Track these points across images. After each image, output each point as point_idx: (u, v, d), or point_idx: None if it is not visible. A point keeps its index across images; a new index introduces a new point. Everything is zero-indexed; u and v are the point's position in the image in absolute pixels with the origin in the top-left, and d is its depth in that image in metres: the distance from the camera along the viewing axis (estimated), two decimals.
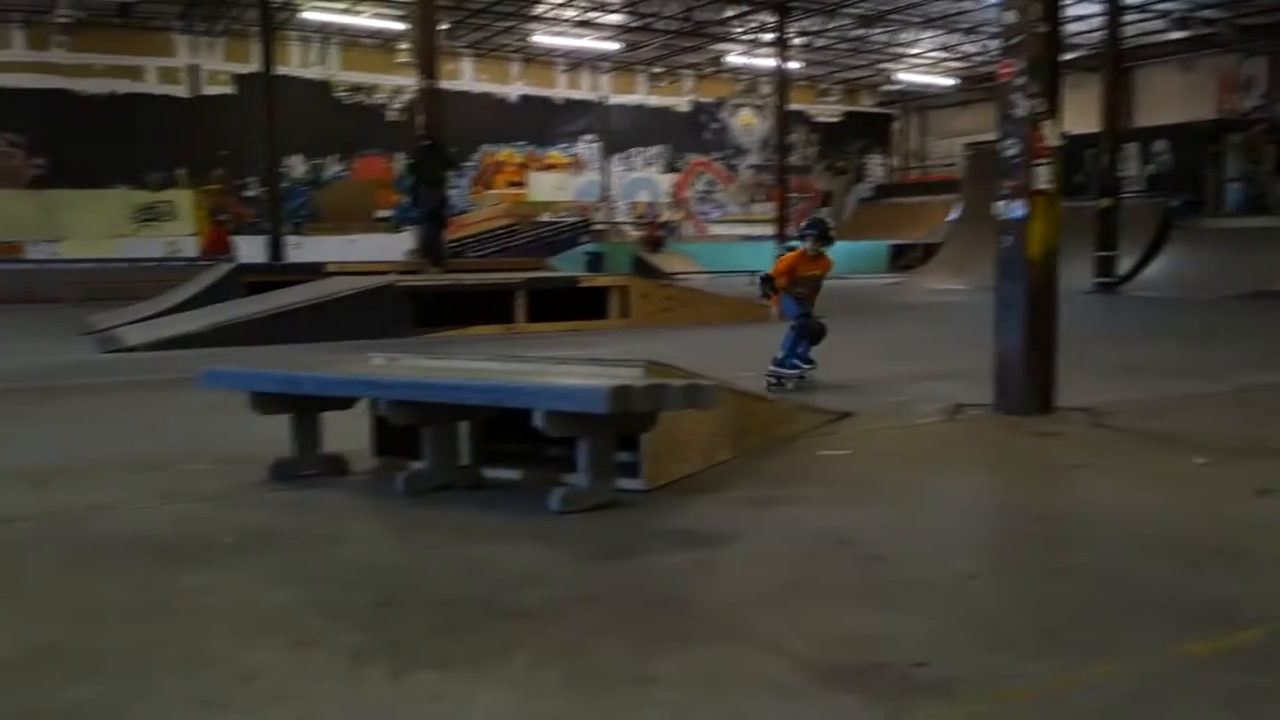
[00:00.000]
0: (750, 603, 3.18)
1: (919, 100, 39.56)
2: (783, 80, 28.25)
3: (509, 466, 4.65)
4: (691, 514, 4.15)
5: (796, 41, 30.20)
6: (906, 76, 35.61)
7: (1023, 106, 6.05)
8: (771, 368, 7.76)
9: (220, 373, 4.93)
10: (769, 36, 29.32)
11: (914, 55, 33.61)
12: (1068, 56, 15.34)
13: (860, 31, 30.30)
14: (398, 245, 24.48)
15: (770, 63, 30.05)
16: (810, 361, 7.88)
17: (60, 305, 18.41)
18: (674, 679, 2.58)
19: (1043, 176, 6.05)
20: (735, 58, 33.26)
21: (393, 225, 29.07)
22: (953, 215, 28.07)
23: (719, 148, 36.82)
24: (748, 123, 37.44)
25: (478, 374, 4.56)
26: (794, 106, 30.78)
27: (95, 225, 26.80)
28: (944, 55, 33.24)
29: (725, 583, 3.41)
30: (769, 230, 29.83)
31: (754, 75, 35.29)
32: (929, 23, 29.75)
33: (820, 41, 31.73)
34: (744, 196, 37.02)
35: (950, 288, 21.43)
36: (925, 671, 2.61)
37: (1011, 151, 6.12)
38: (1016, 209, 6.12)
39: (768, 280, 8.00)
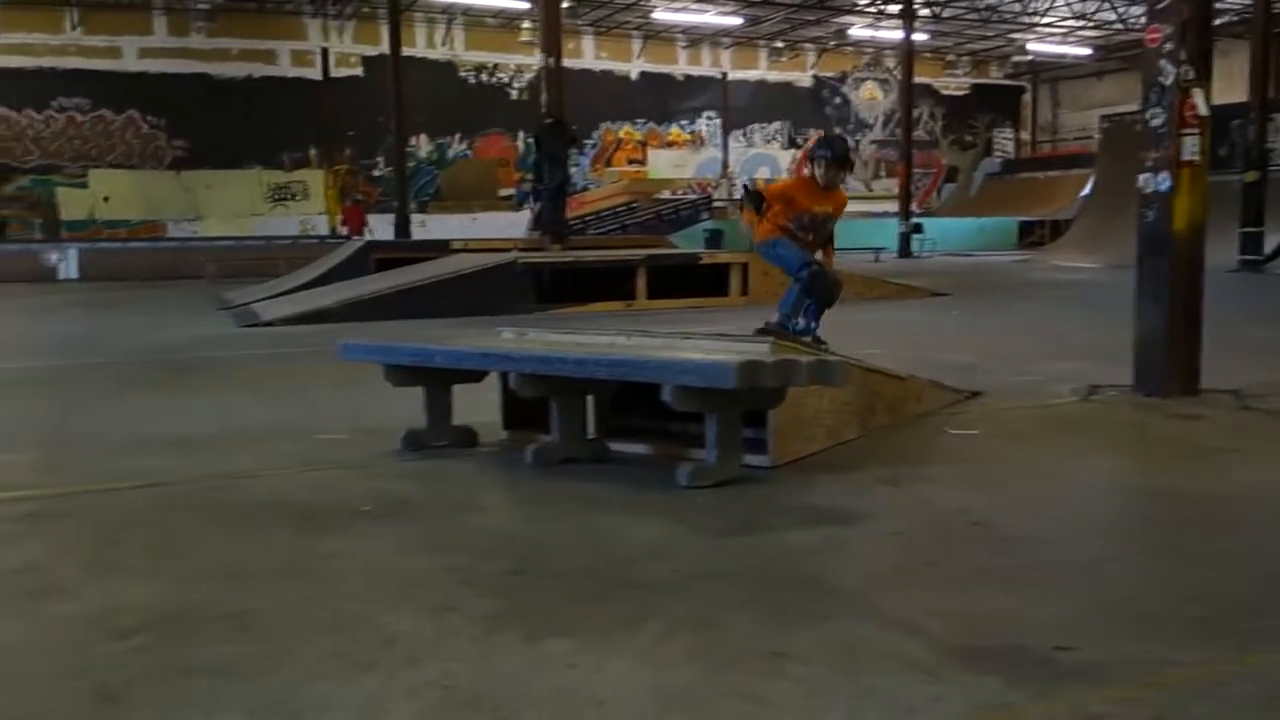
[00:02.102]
0: (882, 581, 3.14)
1: (1051, 71, 38.28)
2: (908, 52, 27.64)
3: (635, 441, 4.68)
4: (820, 491, 4.11)
5: (923, 13, 29.50)
6: (1038, 47, 34.48)
7: (1170, 73, 5.78)
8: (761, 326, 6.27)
9: (356, 345, 5.06)
10: (895, 8, 28.71)
11: (1047, 24, 32.49)
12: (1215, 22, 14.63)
13: (991, 1, 29.39)
14: (519, 222, 24.84)
15: (895, 35, 29.45)
16: (819, 339, 6.10)
17: (199, 281, 19.21)
18: (806, 655, 2.56)
19: (1190, 147, 5.78)
20: (859, 30, 32.69)
21: (515, 203, 29.47)
22: (1085, 191, 27.11)
23: (841, 123, 36.27)
24: (871, 97, 36.80)
25: (605, 348, 4.58)
26: (919, 79, 30.15)
27: (232, 204, 27.87)
28: (1079, 23, 32.02)
29: (856, 561, 3.37)
30: (892, 207, 29.28)
31: (878, 48, 34.64)
32: None
33: (948, 12, 30.94)
34: (866, 173, 36.41)
35: (1080, 265, 20.73)
36: (1069, 656, 2.53)
37: (1157, 121, 5.86)
38: (1161, 181, 5.86)
39: (753, 196, 6.37)
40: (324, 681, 2.48)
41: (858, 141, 36.39)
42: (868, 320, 10.43)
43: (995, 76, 39.05)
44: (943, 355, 7.66)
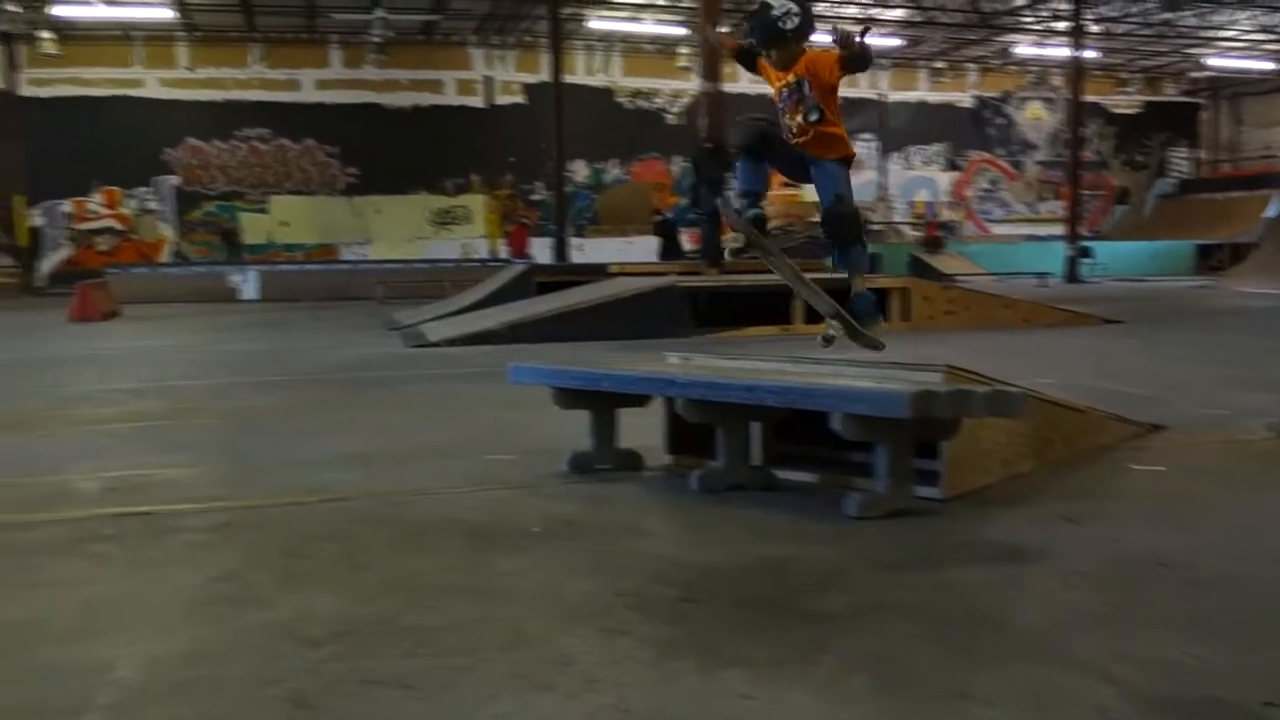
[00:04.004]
0: (1067, 623, 3.01)
1: (1232, 87, 36.40)
2: (1077, 70, 26.74)
3: (802, 468, 4.63)
4: (996, 526, 3.98)
5: (1093, 29, 28.48)
6: (1217, 62, 32.86)
7: None
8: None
9: (526, 369, 5.17)
10: (1063, 25, 27.82)
11: (1227, 38, 30.92)
12: None
13: (1166, 15, 28.19)
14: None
15: (1063, 52, 28.54)
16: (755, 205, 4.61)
17: (368, 302, 19.99)
18: (991, 697, 2.48)
19: None
20: (1024, 48, 31.81)
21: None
22: (1270, 212, 25.63)
23: (1003, 144, 35.30)
24: (1036, 116, 35.70)
25: (773, 375, 4.56)
26: (1088, 98, 29.08)
27: (399, 228, 28.96)
28: (1263, 37, 30.38)
29: (1037, 600, 3.24)
30: (1059, 230, 28.29)
31: (1044, 66, 33.60)
32: (1246, 2, 27.27)
33: (1120, 28, 29.77)
34: (1031, 195, 35.32)
35: (1267, 292, 19.56)
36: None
37: None
38: None
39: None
40: (503, 700, 2.53)
41: (1020, 163, 35.33)
42: (1036, 348, 10.10)
43: (1170, 94, 37.36)
44: (1120, 386, 7.34)
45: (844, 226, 4.55)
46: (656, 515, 4.35)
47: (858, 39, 4.32)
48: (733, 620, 3.05)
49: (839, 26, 4.71)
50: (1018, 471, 4.67)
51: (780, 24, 4.39)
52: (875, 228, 30.36)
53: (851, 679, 2.60)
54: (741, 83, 31.08)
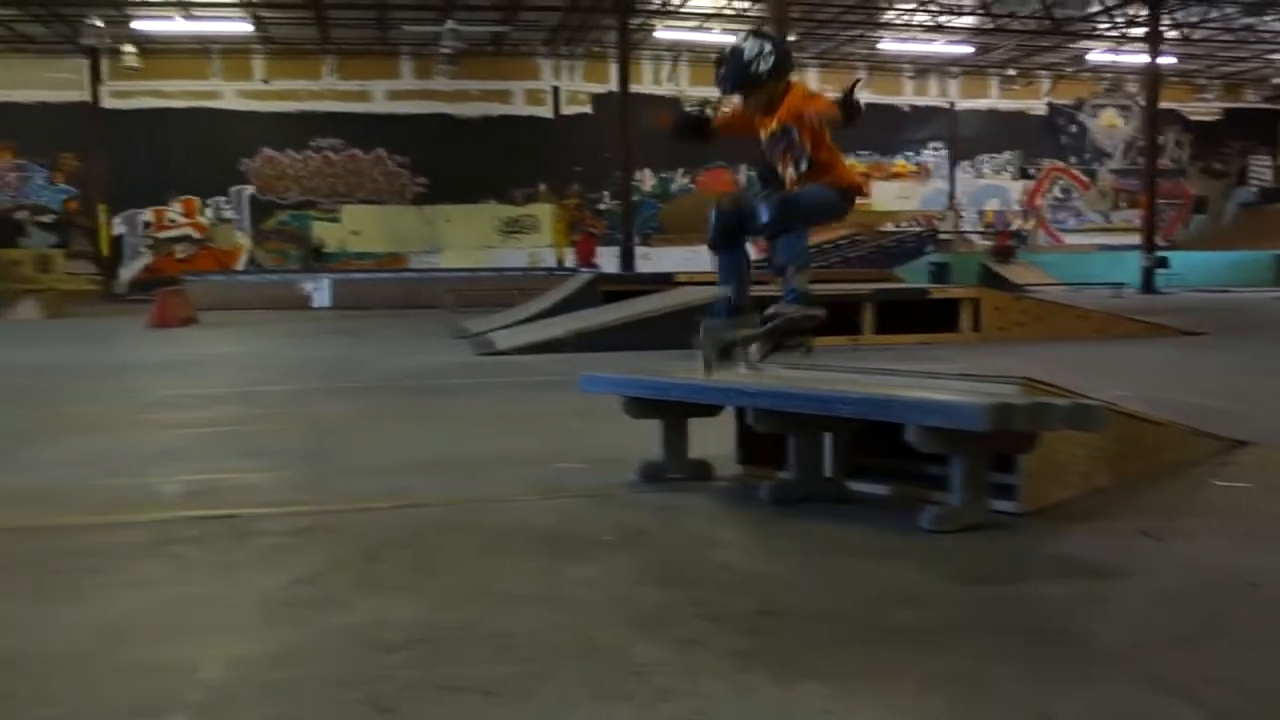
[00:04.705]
0: (1154, 644, 2.94)
1: None
2: (1154, 77, 26.21)
3: (874, 481, 4.59)
4: (1076, 542, 3.91)
5: (1170, 34, 27.90)
6: None
7: None
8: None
9: (596, 378, 5.19)
10: (1139, 31, 27.30)
11: None
12: None
13: (1248, 20, 27.54)
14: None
15: (1139, 59, 27.98)
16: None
17: (437, 310, 20.21)
18: (1077, 718, 2.43)
19: None
20: (1098, 55, 31.27)
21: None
22: None
23: (1077, 152, 34.73)
24: (1111, 124, 35.06)
25: (846, 385, 4.52)
26: (1165, 105, 28.48)
27: (468, 237, 29.30)
28: None
29: (1121, 619, 3.17)
30: (1134, 240, 27.74)
31: (1119, 73, 32.99)
32: None
33: (1198, 34, 29.13)
34: (1105, 204, 34.68)
35: None
36: None
37: None
38: None
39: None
40: (580, 709, 2.53)
41: (1094, 171, 34.70)
42: (1111, 360, 9.90)
43: (1251, 100, 36.44)
44: (1200, 400, 7.16)
45: (789, 210, 4.33)
46: (729, 526, 4.33)
47: (854, 95, 4.22)
48: (809, 634, 3.02)
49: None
50: (1096, 486, 4.57)
51: (753, 68, 4.14)
52: (944, 237, 30.02)
53: (932, 696, 2.56)
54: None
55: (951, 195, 33.10)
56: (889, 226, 30.68)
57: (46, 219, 28.20)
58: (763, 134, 4.26)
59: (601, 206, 30.33)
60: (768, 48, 4.09)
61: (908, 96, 33.03)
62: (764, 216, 4.20)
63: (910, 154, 33.10)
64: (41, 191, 28.24)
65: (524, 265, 27.56)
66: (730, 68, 4.16)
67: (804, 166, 4.17)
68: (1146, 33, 26.49)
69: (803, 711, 2.49)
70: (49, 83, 27.66)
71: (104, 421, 7.30)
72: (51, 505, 4.75)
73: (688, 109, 4.77)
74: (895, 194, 32.62)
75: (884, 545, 3.89)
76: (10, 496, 4.94)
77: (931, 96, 33.25)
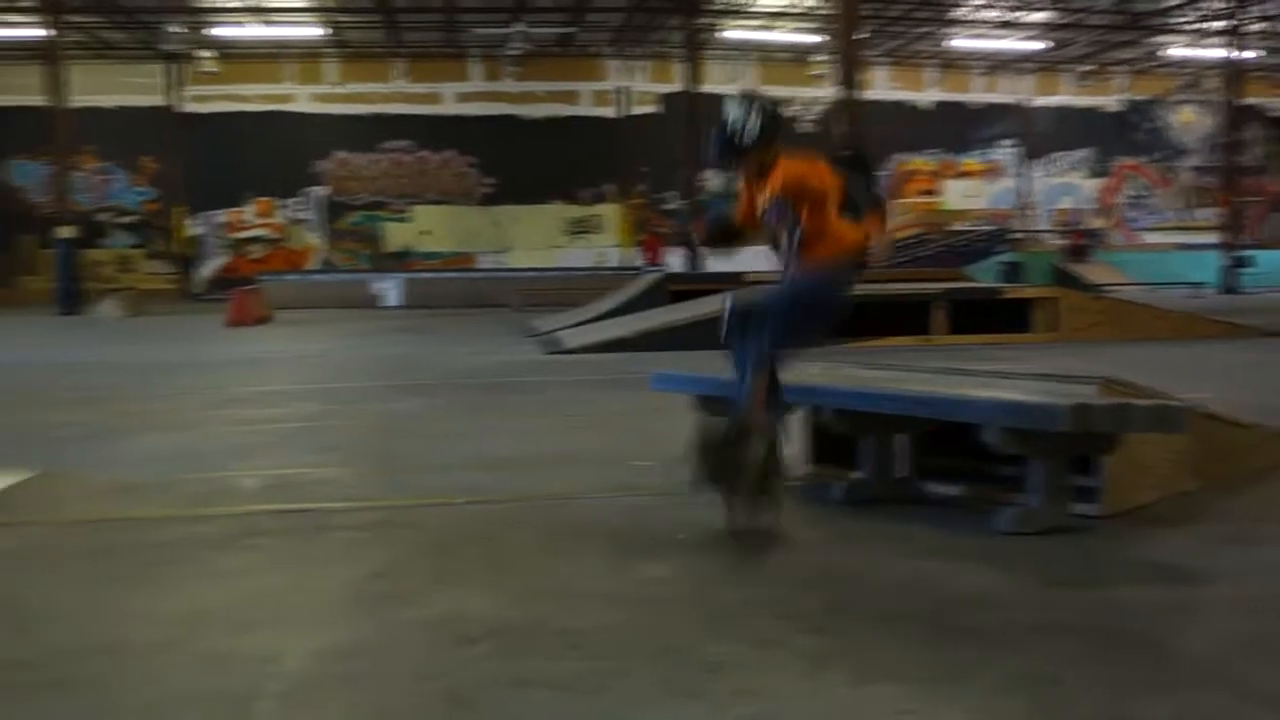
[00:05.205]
0: (1237, 651, 2.87)
1: None
2: (1235, 72, 25.52)
3: (947, 482, 4.53)
4: (1159, 547, 3.82)
5: (1253, 28, 27.15)
6: None
7: None
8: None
9: (667, 376, 5.20)
10: (1219, 25, 26.60)
11: None
12: None
13: None
14: None
15: (1219, 53, 27.26)
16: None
17: (504, 309, 20.38)
18: None
19: None
20: (1176, 50, 30.51)
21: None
22: None
23: (1154, 149, 33.92)
24: (1188, 120, 34.18)
25: (919, 385, 4.48)
26: (1247, 100, 27.72)
27: (534, 237, 29.48)
28: None
29: (1205, 625, 3.10)
30: (1214, 238, 27.04)
31: (1198, 68, 32.16)
32: None
33: None
34: (1183, 201, 33.83)
35: None
36: None
37: None
38: None
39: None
40: (653, 706, 2.54)
41: (1171, 169, 33.86)
42: (1192, 361, 9.68)
43: None
44: None
45: (789, 328, 3.91)
46: (801, 525, 4.30)
47: (852, 153, 4.09)
48: (884, 634, 3.00)
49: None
50: (1179, 490, 4.47)
51: (737, 137, 3.90)
52: (1016, 236, 29.52)
53: (1010, 699, 2.53)
54: (877, 89, 30.68)
55: (1024, 193, 32.56)
56: (958, 226, 30.27)
57: (127, 220, 28.98)
58: (760, 202, 4.01)
59: (668, 206, 30.33)
60: (753, 113, 3.88)
61: (978, 93, 32.56)
62: (762, 336, 3.95)
63: (981, 152, 32.64)
64: (122, 193, 29.00)
65: (590, 265, 27.66)
66: (716, 139, 3.97)
67: (799, 237, 3.91)
68: (1227, 27, 25.83)
69: (881, 712, 2.48)
70: (129, 88, 28.39)
71: (185, 417, 7.48)
72: (138, 498, 4.88)
73: (710, 210, 4.61)
74: (965, 193, 32.16)
75: (959, 546, 3.84)
76: (99, 490, 5.08)
77: (1003, 93, 32.72)
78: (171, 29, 26.83)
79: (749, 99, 3.99)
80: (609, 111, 30.53)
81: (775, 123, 3.94)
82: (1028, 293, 13.48)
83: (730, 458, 3.68)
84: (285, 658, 2.89)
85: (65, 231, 21.67)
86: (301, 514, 4.51)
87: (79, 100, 23.12)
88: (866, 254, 4.01)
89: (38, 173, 26.76)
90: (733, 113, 3.92)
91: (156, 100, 28.81)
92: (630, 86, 30.68)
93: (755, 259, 19.92)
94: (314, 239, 29.56)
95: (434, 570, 3.66)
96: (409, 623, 3.13)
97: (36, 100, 22.58)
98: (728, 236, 4.33)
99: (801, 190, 3.87)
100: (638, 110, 30.56)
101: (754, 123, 3.87)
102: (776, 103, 4.15)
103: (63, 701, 2.64)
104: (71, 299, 21.01)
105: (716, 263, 25.17)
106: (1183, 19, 28.25)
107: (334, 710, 2.57)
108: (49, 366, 11.27)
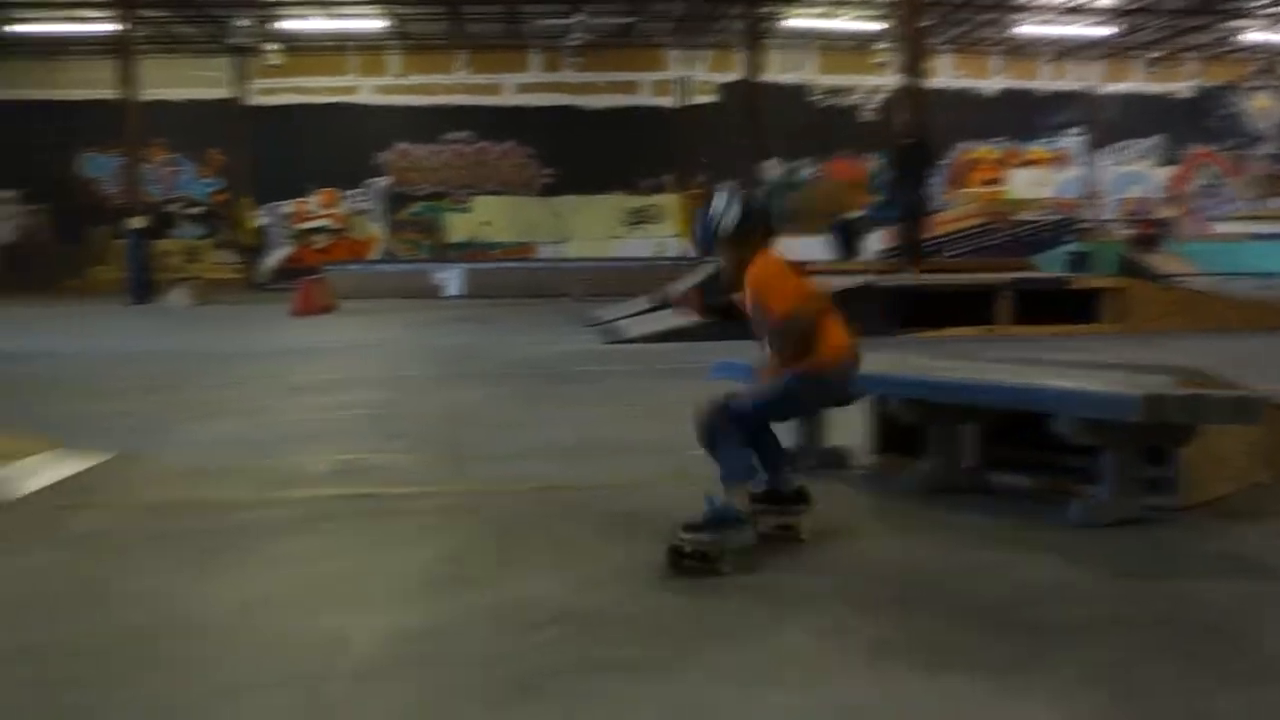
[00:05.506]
0: None
1: None
2: None
3: (1017, 472, 4.46)
4: (1234, 539, 3.74)
5: None
6: None
7: None
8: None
9: (728, 364, 5.17)
10: None
11: None
12: None
13: None
14: (868, 245, 24.60)
15: None
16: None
17: (564, 299, 20.44)
18: (1237, 718, 2.33)
19: None
20: (1252, 34, 29.69)
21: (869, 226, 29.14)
22: None
23: (1227, 136, 33.07)
24: (1263, 107, 33.28)
25: (990, 375, 4.42)
26: None
27: (594, 228, 29.54)
28: None
29: None
30: None
31: (1273, 53, 31.30)
32: None
33: None
34: (1256, 190, 32.94)
35: None
36: None
37: None
38: None
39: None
40: (724, 688, 2.54)
41: (1246, 157, 33.00)
42: (1265, 352, 9.43)
43: None
44: None
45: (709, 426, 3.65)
46: (869, 515, 4.27)
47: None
48: (954, 624, 2.96)
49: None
50: (1255, 482, 4.36)
51: (715, 226, 3.77)
52: (1084, 225, 28.97)
53: (1089, 691, 2.49)
54: (941, 77, 30.27)
55: (1091, 182, 31.94)
56: (1024, 215, 29.77)
57: (195, 211, 29.55)
58: (745, 298, 3.85)
59: None
60: (734, 205, 3.76)
61: (1045, 81, 31.97)
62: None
63: (1047, 140, 32.05)
64: (190, 185, 29.56)
65: (649, 255, 27.65)
66: (700, 226, 3.87)
67: (775, 347, 3.71)
68: None
69: (951, 702, 2.45)
70: (197, 81, 28.89)
71: (255, 404, 7.61)
72: (210, 482, 4.98)
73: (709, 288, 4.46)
74: (1031, 182, 31.60)
75: (1028, 538, 3.78)
76: (172, 474, 5.19)
77: (1070, 80, 32.09)
78: (239, 23, 27.24)
79: (735, 193, 3.87)
80: (668, 101, 30.45)
81: (754, 218, 3.79)
82: (1095, 283, 13.23)
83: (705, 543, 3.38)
84: (355, 639, 2.93)
85: (136, 222, 22.12)
86: (369, 499, 4.57)
87: (149, 94, 23.58)
88: (846, 365, 3.73)
89: (109, 165, 27.34)
90: (717, 202, 3.82)
91: (223, 93, 29.28)
92: (690, 76, 30.57)
93: (814, 248, 19.73)
94: (376, 229, 29.88)
95: (500, 555, 3.69)
96: (478, 607, 3.16)
97: (108, 94, 23.07)
98: (725, 314, 4.17)
99: (764, 295, 3.68)
100: (697, 100, 30.46)
101: (732, 215, 3.75)
102: (765, 198, 3.91)
103: (142, 681, 2.70)
104: (142, 289, 21.44)
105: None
106: (1258, 2, 27.48)
107: (404, 691, 2.60)
108: (122, 354, 11.52)
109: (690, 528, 3.35)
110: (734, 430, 3.60)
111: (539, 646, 2.84)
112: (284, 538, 4.03)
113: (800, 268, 3.89)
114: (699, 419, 3.66)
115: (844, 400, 3.97)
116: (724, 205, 3.80)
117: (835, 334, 3.73)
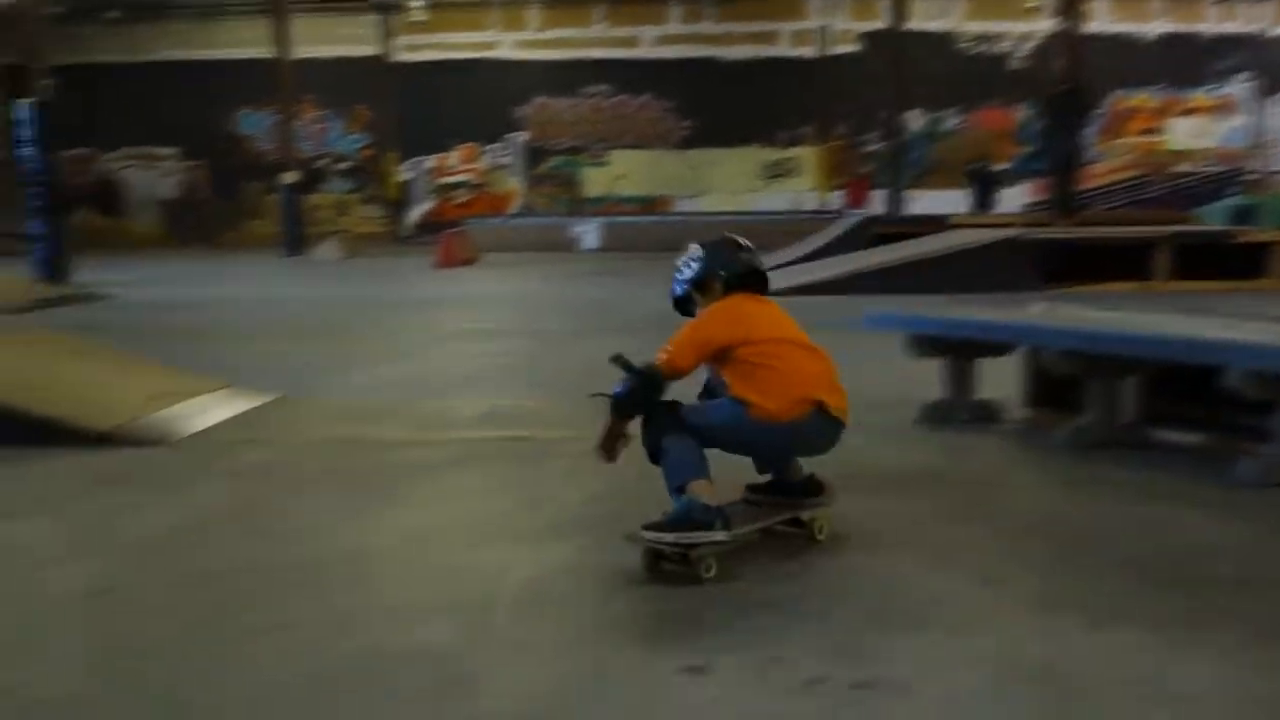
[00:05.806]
0: None
1: None
2: None
3: (1179, 428, 4.30)
4: None
5: None
6: None
7: None
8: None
9: (881, 315, 5.12)
10: None
11: None
12: None
13: None
14: (1014, 198, 23.83)
15: None
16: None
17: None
18: None
19: None
20: None
21: (1011, 177, 28.17)
22: None
23: None
24: None
25: (1150, 325, 4.25)
26: None
27: (731, 181, 29.32)
28: None
29: None
30: None
31: None
32: None
33: None
34: None
35: None
36: None
37: None
38: None
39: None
40: (875, 630, 2.54)
41: None
42: None
43: None
44: None
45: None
46: (1023, 469, 4.18)
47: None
48: (1116, 580, 2.89)
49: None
50: None
51: (677, 276, 3.58)
52: (1251, 177, 27.41)
53: (1258, 652, 2.40)
54: (1097, 21, 28.92)
55: (1259, 132, 30.11)
56: (1183, 166, 28.32)
57: (343, 166, 30.50)
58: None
59: (868, 149, 29.56)
60: (697, 256, 3.54)
61: (1209, 24, 30.19)
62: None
63: (1212, 87, 30.33)
64: (338, 141, 30.50)
65: (787, 209, 27.32)
66: (675, 277, 3.65)
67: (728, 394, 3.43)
68: None
69: (1117, 655, 2.40)
70: (345, 39, 29.68)
71: (405, 350, 7.87)
72: (369, 422, 5.18)
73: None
74: (1191, 131, 29.98)
75: (1190, 495, 3.65)
76: (338, 413, 5.42)
77: (1238, 22, 30.23)
78: None
79: (711, 244, 3.62)
80: (808, 52, 29.89)
81: (709, 266, 3.54)
82: (1263, 237, 12.53)
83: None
84: (513, 570, 3.03)
85: (288, 178, 22.95)
86: (519, 441, 4.69)
87: (300, 52, 24.33)
88: (802, 423, 3.30)
89: (263, 123, 28.40)
90: (687, 252, 3.62)
91: (370, 50, 30.00)
92: (831, 25, 29.92)
93: (955, 202, 19.25)
94: (514, 184, 30.31)
95: (646, 496, 3.73)
96: (627, 544, 3.22)
97: (261, 53, 23.89)
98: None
99: (681, 332, 3.49)
100: (838, 50, 29.81)
101: (693, 264, 3.55)
102: (736, 250, 3.64)
103: (315, 601, 2.85)
104: (295, 242, 22.28)
105: (919, 205, 24.49)
106: None
107: (563, 620, 2.69)
108: (279, 303, 12.02)
109: (651, 526, 3.03)
110: (679, 437, 3.32)
111: (680, 577, 2.89)
112: (440, 475, 4.18)
113: (776, 316, 3.57)
114: (645, 434, 3.34)
115: (811, 453, 3.44)
116: (685, 258, 3.58)
117: (798, 385, 3.33)
